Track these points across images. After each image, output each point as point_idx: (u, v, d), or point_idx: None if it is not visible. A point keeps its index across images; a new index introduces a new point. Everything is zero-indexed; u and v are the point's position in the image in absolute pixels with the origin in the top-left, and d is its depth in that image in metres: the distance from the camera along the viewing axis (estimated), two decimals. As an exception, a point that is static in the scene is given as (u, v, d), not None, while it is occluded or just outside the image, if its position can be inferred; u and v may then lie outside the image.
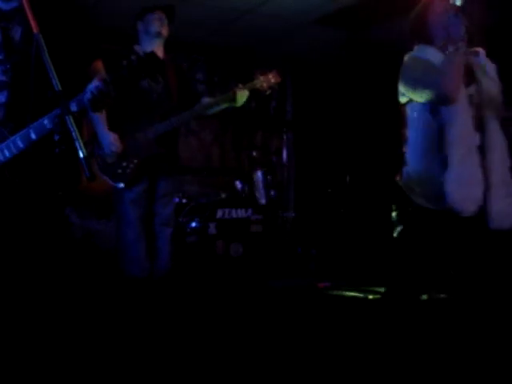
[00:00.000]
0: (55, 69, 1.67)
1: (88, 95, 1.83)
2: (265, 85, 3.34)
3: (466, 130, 2.11)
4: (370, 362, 2.14)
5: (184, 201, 4.80)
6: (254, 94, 3.37)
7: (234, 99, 3.23)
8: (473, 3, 2.11)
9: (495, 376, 2.05)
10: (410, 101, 2.22)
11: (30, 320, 1.98)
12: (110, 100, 2.02)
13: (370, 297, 3.82)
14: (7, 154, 1.87)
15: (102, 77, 1.85)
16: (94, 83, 1.83)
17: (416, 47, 2.24)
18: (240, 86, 3.25)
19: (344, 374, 2.17)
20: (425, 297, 3.12)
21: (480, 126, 2.14)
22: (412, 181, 2.24)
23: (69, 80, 1.78)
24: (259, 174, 5.23)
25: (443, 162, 2.10)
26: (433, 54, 2.15)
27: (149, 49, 2.99)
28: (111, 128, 3.08)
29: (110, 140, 3.04)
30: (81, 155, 1.60)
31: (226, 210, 4.72)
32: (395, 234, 2.34)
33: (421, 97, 2.16)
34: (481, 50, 2.26)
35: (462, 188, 2.07)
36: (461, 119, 2.10)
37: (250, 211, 4.82)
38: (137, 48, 3.23)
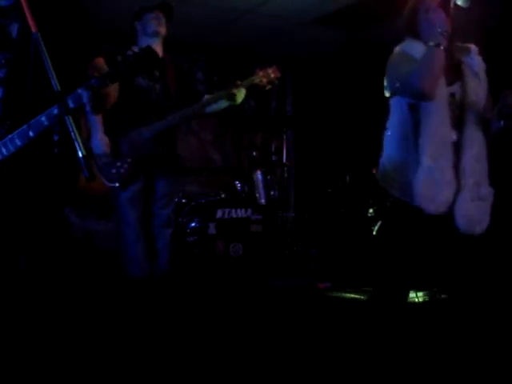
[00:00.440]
0: (54, 68, 1.67)
1: (86, 94, 1.81)
2: (264, 80, 3.31)
3: (442, 127, 2.07)
4: (369, 362, 2.13)
5: (184, 201, 4.80)
6: (254, 90, 3.36)
7: (232, 98, 3.22)
8: (473, 3, 2.10)
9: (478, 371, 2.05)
10: (393, 94, 2.21)
11: (29, 320, 1.98)
12: (109, 100, 2.02)
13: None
14: (5, 152, 1.86)
15: (98, 72, 1.84)
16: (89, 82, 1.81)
17: (405, 41, 2.22)
18: (238, 82, 3.24)
19: (344, 374, 2.17)
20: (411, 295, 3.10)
21: (459, 124, 2.11)
22: (388, 174, 2.22)
23: (68, 80, 1.78)
24: (259, 174, 5.22)
25: (416, 159, 2.08)
26: (417, 49, 2.13)
27: (147, 48, 2.99)
28: (109, 128, 3.08)
29: (98, 140, 3.02)
30: (80, 155, 1.60)
31: (226, 210, 4.72)
32: (374, 231, 2.33)
33: (400, 91, 2.14)
34: (472, 47, 2.24)
35: (431, 190, 2.04)
36: (437, 116, 2.07)
37: (249, 211, 4.81)
38: (135, 49, 3.23)
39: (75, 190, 2.12)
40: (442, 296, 3.48)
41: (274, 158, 5.73)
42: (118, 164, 3.10)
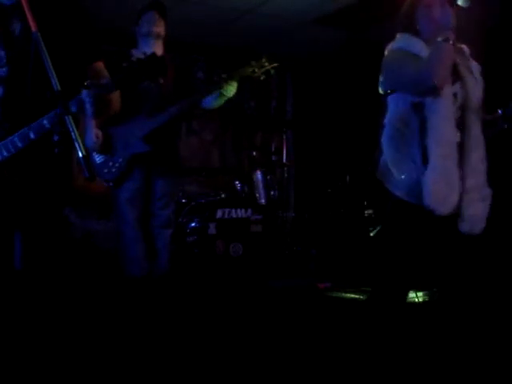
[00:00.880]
0: (54, 68, 1.67)
1: (88, 99, 1.81)
2: (257, 70, 3.27)
3: (449, 127, 2.07)
4: (369, 362, 2.13)
5: (184, 201, 4.80)
6: (254, 88, 3.33)
7: (223, 91, 3.21)
8: (473, 3, 2.10)
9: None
10: (391, 92, 2.19)
11: (29, 320, 1.98)
12: (112, 106, 2.03)
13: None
14: (5, 153, 1.87)
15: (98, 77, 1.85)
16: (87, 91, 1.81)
17: (399, 36, 2.19)
18: (223, 75, 3.21)
19: (344, 374, 2.17)
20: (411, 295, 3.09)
21: (461, 124, 2.10)
22: (389, 173, 2.19)
23: (68, 80, 1.78)
24: (259, 174, 5.22)
25: (419, 157, 2.07)
26: (416, 46, 2.11)
27: (147, 50, 2.99)
28: (106, 126, 3.07)
29: (90, 132, 3.00)
30: (80, 155, 1.60)
31: (226, 210, 4.71)
32: (372, 234, 2.31)
33: (408, 89, 2.11)
34: (465, 48, 2.23)
35: (442, 190, 2.02)
36: (444, 116, 2.06)
37: (249, 211, 4.81)
38: (134, 52, 3.23)
39: (74, 190, 2.12)
40: (442, 296, 3.48)
41: (273, 158, 5.73)
42: (110, 164, 3.11)
